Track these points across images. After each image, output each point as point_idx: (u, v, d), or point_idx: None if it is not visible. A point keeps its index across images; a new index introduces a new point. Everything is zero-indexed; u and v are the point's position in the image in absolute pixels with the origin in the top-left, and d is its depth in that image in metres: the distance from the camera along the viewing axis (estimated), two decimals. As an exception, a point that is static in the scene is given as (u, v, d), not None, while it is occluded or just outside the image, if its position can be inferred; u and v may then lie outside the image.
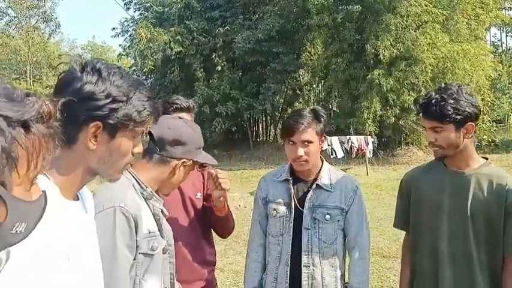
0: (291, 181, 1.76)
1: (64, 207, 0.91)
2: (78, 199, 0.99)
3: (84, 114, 0.93)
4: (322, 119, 1.72)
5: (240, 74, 20.00)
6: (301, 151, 1.67)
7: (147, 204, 1.33)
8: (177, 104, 1.97)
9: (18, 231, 0.65)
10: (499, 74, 19.88)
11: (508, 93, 23.43)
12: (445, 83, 1.66)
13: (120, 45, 26.37)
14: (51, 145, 0.68)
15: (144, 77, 23.58)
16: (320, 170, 1.75)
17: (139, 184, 1.35)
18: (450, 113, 1.51)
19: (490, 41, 26.25)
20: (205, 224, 1.95)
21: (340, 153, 14.22)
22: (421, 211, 1.68)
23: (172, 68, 20.59)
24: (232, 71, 20.18)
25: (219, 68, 19.39)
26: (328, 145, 14.02)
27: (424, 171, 1.75)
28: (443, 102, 1.52)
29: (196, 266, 1.86)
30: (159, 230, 1.33)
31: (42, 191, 0.72)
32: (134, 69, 23.43)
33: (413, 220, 1.73)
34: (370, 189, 10.11)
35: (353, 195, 1.73)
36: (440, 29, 15.82)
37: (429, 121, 1.57)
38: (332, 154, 13.86)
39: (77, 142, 0.95)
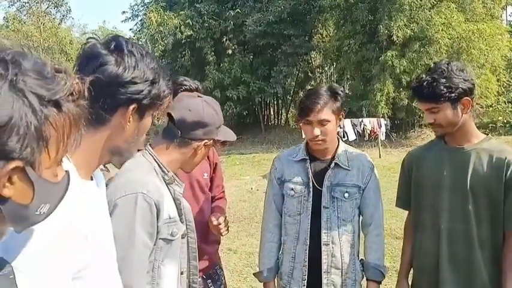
0: (308, 160, 1.75)
1: (83, 188, 0.90)
2: (92, 178, 0.98)
3: (124, 97, 0.94)
4: (339, 97, 1.70)
5: (251, 57, 19.86)
6: (317, 131, 1.66)
7: (168, 189, 1.32)
8: (185, 85, 1.99)
9: (41, 212, 0.65)
10: (515, 54, 19.35)
11: (526, 73, 22.87)
12: (434, 62, 1.64)
13: (130, 29, 26.40)
14: (80, 125, 0.66)
15: (155, 62, 23.48)
16: (337, 148, 1.75)
17: (160, 168, 1.33)
18: (444, 92, 1.50)
19: (507, 20, 25.47)
20: (211, 203, 2.01)
21: (352, 136, 14.16)
22: (422, 189, 1.68)
23: (183, 52, 20.55)
24: (243, 54, 20.05)
25: (230, 51, 19.28)
26: (340, 128, 13.95)
27: (425, 149, 1.76)
28: (435, 83, 1.50)
29: (202, 245, 1.89)
30: (179, 215, 1.33)
31: (66, 171, 0.70)
32: (145, 54, 23.32)
33: (415, 198, 1.72)
34: (383, 171, 10.07)
35: (370, 172, 1.74)
36: (456, 8, 15.42)
37: (424, 103, 1.56)
38: (344, 137, 13.81)
39: (107, 123, 0.95)
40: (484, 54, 15.40)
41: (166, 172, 1.33)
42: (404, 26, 14.98)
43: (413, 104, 16.30)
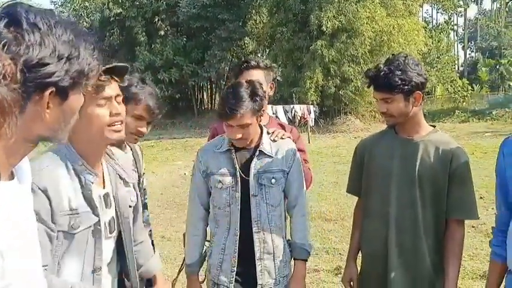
0: (233, 151, 1.74)
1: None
2: (13, 177, 0.83)
3: (33, 83, 0.76)
4: (258, 97, 1.67)
5: (185, 39, 19.49)
6: (238, 134, 1.67)
7: (79, 179, 1.21)
8: (247, 62, 2.02)
9: None
10: (428, 49, 21.24)
11: (436, 66, 25.21)
12: (392, 54, 1.70)
13: (52, 1, 24.18)
14: (13, 112, 0.57)
15: (80, 39, 22.15)
16: (260, 136, 1.76)
17: (72, 155, 1.22)
18: (398, 84, 1.54)
19: (423, 16, 27.71)
20: None
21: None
22: (372, 177, 1.72)
23: (112, 31, 19.52)
24: (176, 36, 19.60)
25: (162, 32, 18.75)
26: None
27: (377, 138, 1.80)
28: (391, 74, 1.55)
29: None
30: (91, 207, 1.21)
31: None
32: (68, 30, 21.90)
33: (366, 185, 1.76)
34: (312, 156, 10.59)
35: (293, 156, 1.78)
36: (379, 2, 16.52)
37: (379, 93, 1.61)
38: (276, 123, 14.27)
39: (20, 113, 0.77)
40: (403, 48, 16.68)
41: (77, 160, 1.22)
42: (333, 18, 15.72)
43: (340, 92, 17.30)
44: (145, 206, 1.81)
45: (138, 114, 1.59)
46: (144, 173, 1.87)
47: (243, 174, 1.72)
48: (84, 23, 19.09)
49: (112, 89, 1.24)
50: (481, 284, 3.10)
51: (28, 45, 0.73)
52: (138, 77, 1.67)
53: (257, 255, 1.71)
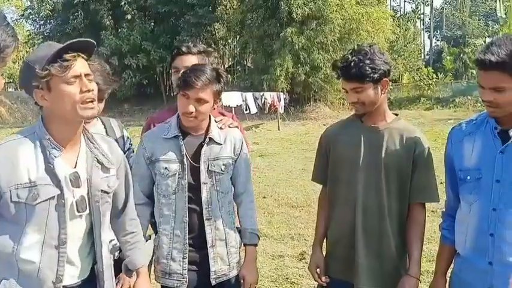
0: (181, 137, 1.72)
1: None
2: None
3: None
4: (221, 80, 1.69)
5: (152, 24, 19.02)
6: (192, 108, 1.65)
7: (44, 154, 1.24)
8: (178, 48, 1.97)
9: None
10: (396, 37, 21.66)
11: (403, 54, 25.79)
12: (357, 45, 1.75)
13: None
14: None
15: (42, 22, 21.21)
16: (209, 124, 1.77)
17: (41, 131, 1.26)
18: (368, 72, 1.57)
19: (391, 5, 28.18)
20: None
21: (253, 109, 14.69)
22: (339, 165, 1.75)
23: (76, 14, 18.77)
24: (144, 20, 19.09)
25: (129, 16, 18.20)
26: (243, 101, 14.36)
27: (342, 127, 1.82)
28: (361, 64, 1.58)
29: None
30: (53, 180, 1.24)
31: None
32: (30, 12, 20.89)
33: (332, 174, 1.79)
34: (281, 143, 10.74)
35: (240, 145, 1.81)
36: (348, -10, 16.64)
37: (350, 83, 1.62)
38: (246, 110, 14.27)
39: None
40: (371, 36, 16.98)
41: (44, 135, 1.25)
42: (303, 4, 15.73)
43: (310, 80, 17.42)
44: None
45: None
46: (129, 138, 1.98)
47: (192, 161, 1.70)
48: (47, 6, 18.28)
49: (80, 66, 1.23)
50: (438, 265, 3.24)
51: None
52: None
53: (209, 242, 1.71)
